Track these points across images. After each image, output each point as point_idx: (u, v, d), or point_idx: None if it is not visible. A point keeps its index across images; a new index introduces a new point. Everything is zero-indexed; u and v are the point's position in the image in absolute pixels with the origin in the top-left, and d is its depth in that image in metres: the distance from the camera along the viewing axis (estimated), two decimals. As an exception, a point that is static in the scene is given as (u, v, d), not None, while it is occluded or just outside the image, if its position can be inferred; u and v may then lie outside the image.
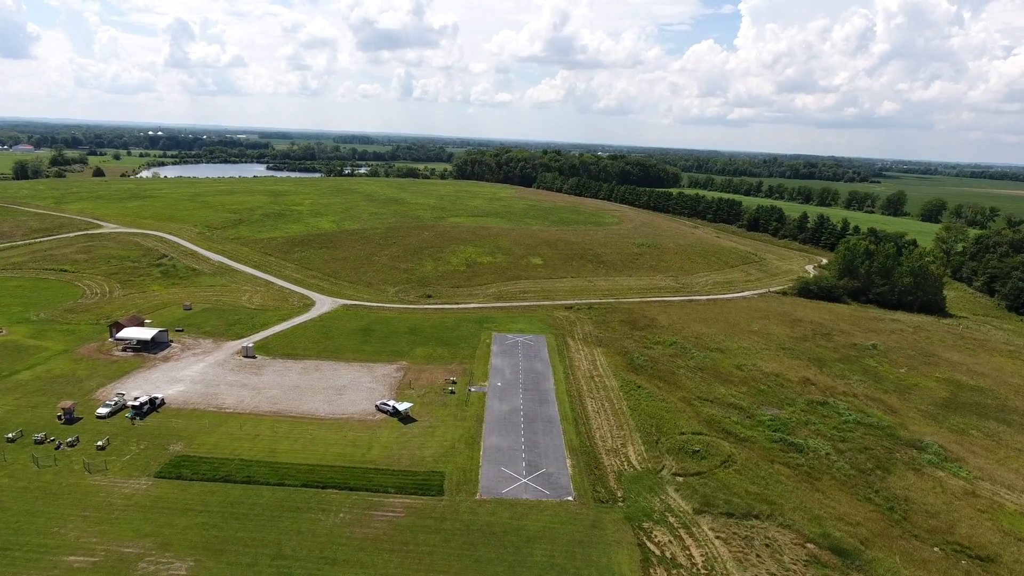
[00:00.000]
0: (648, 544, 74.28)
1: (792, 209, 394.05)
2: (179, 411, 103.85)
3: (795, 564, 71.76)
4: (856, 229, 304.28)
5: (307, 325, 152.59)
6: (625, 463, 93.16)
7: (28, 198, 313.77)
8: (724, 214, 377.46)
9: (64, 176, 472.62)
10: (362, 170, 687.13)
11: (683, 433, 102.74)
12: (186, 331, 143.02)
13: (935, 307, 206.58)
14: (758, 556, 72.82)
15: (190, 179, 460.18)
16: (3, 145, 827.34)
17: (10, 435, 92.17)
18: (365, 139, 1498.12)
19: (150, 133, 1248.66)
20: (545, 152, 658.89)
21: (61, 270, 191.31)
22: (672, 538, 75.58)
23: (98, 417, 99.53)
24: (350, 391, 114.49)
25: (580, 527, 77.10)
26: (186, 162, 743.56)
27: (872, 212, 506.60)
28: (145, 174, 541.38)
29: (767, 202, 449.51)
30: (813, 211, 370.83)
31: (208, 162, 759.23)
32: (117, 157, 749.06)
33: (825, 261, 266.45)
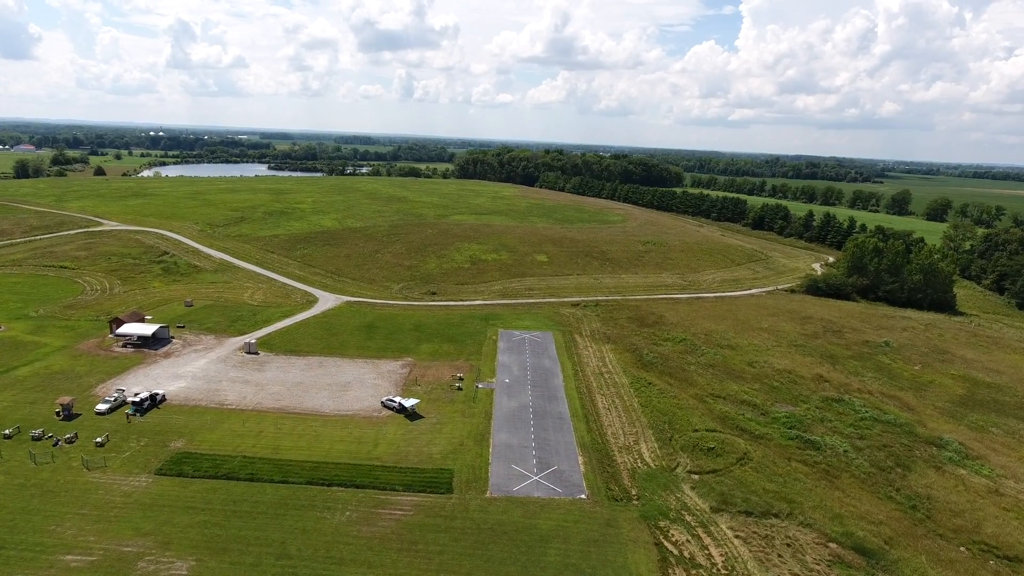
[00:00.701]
0: (665, 543, 71.74)
1: (796, 208, 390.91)
2: (180, 407, 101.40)
3: (818, 564, 69.19)
4: (863, 227, 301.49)
5: (310, 322, 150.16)
6: (638, 460, 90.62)
7: (28, 196, 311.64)
8: (729, 213, 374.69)
9: (65, 175, 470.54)
10: (364, 170, 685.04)
11: (696, 430, 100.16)
12: (187, 327, 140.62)
13: (945, 305, 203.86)
14: (779, 556, 70.25)
15: (191, 178, 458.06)
16: (4, 145, 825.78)
17: (7, 431, 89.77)
18: (366, 140, 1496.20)
19: (151, 134, 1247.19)
20: (547, 152, 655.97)
21: (61, 267, 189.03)
22: (690, 537, 73.03)
23: (97, 413, 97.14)
24: (355, 387, 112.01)
25: (594, 526, 74.58)
26: (187, 162, 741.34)
27: (877, 211, 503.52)
28: (146, 173, 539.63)
29: (771, 201, 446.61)
30: (818, 210, 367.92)
31: (209, 162, 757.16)
32: (118, 157, 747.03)
33: (832, 259, 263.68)
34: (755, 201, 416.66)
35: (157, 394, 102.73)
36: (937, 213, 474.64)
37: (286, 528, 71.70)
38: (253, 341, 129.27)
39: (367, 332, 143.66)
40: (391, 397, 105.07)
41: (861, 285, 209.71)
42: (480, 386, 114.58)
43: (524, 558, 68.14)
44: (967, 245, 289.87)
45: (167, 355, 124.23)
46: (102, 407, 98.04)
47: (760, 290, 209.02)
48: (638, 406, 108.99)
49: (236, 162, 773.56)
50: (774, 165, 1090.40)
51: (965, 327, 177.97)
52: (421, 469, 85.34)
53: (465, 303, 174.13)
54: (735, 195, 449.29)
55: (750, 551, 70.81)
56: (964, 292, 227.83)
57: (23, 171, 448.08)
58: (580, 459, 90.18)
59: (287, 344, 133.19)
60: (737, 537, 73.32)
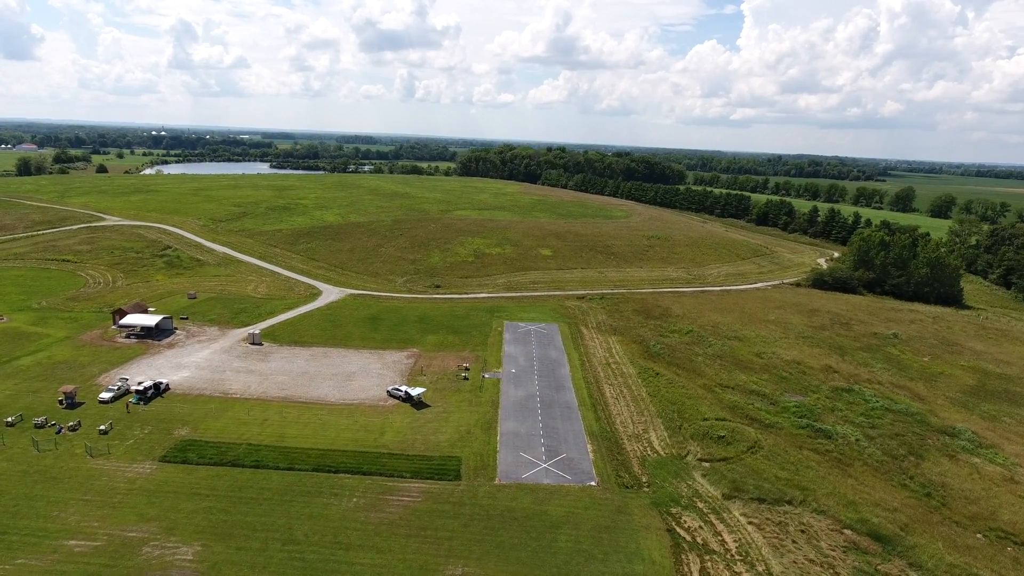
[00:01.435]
0: (678, 529, 70.60)
1: (800, 205, 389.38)
2: (184, 396, 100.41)
3: (833, 550, 68.01)
4: (868, 222, 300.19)
5: (314, 313, 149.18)
6: (648, 448, 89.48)
7: (31, 192, 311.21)
8: (732, 209, 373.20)
9: (67, 173, 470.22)
10: (366, 168, 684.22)
11: (706, 419, 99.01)
12: (191, 319, 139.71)
13: (952, 299, 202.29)
14: (794, 542, 69.08)
15: (194, 175, 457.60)
16: (7, 145, 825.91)
17: (9, 419, 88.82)
18: (368, 139, 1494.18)
19: (153, 133, 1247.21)
20: (549, 150, 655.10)
21: (63, 260, 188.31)
22: (702, 524, 71.88)
23: (101, 402, 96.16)
24: (360, 377, 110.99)
25: (605, 512, 73.47)
26: (189, 161, 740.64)
27: (881, 208, 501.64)
28: (148, 171, 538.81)
29: (775, 198, 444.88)
30: (822, 207, 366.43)
31: (212, 161, 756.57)
32: (120, 156, 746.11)
33: (837, 255, 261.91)
34: (758, 198, 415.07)
35: (161, 383, 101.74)
36: (941, 210, 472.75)
37: (293, 514, 70.66)
38: (257, 332, 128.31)
39: (371, 324, 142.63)
40: (397, 386, 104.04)
41: (867, 279, 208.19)
42: (486, 376, 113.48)
43: (535, 544, 67.05)
44: (973, 240, 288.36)
45: (170, 346, 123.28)
46: (105, 395, 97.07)
47: (765, 284, 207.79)
48: (646, 395, 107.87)
49: (238, 161, 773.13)
50: (776, 164, 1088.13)
51: (973, 320, 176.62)
52: (428, 457, 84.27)
53: (469, 296, 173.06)
54: (738, 192, 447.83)
55: (764, 537, 69.67)
56: (970, 287, 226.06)
57: (25, 168, 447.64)
58: (589, 447, 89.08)
59: (291, 335, 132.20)
60: (750, 523, 72.17)
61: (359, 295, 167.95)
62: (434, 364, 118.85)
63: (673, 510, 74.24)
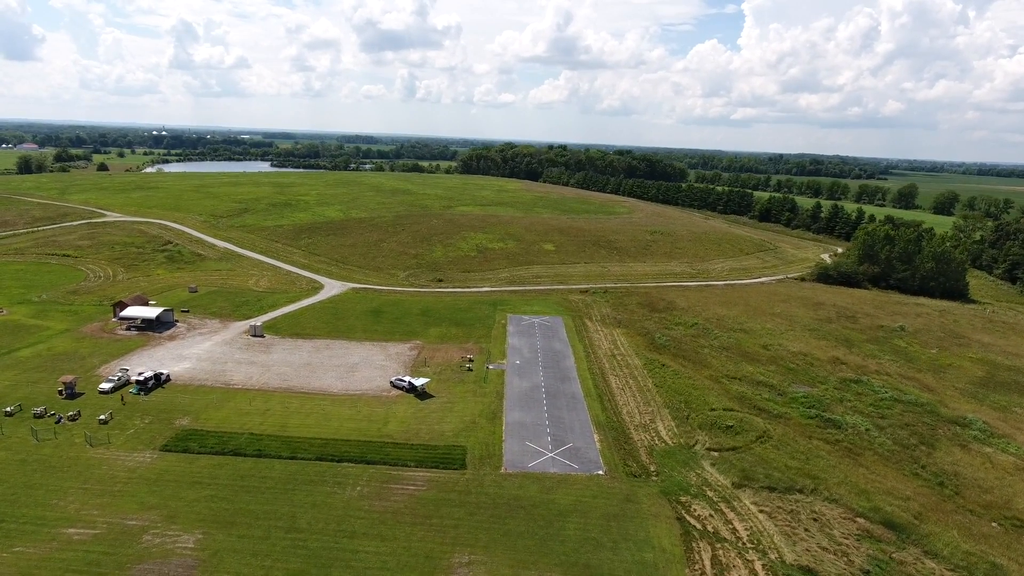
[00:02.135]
0: (688, 518, 69.31)
1: (802, 203, 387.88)
2: (185, 387, 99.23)
3: (847, 539, 66.70)
4: (872, 218, 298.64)
5: (316, 307, 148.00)
6: (656, 438, 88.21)
7: (31, 190, 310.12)
8: (735, 205, 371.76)
9: (68, 171, 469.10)
10: (367, 167, 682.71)
11: (713, 409, 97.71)
12: (192, 312, 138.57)
13: (957, 293, 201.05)
14: (806, 530, 67.77)
15: (195, 173, 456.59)
16: (8, 144, 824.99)
17: (8, 409, 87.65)
18: (369, 139, 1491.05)
19: (154, 133, 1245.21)
20: (551, 148, 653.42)
21: (64, 255, 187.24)
22: (712, 512, 70.59)
23: (101, 392, 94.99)
24: (363, 368, 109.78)
25: (614, 501, 72.20)
26: (190, 160, 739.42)
27: (883, 205, 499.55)
28: (149, 170, 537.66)
29: (778, 195, 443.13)
30: (825, 204, 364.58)
31: (212, 160, 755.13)
32: (121, 155, 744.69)
33: (840, 250, 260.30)
34: (760, 195, 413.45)
35: (162, 374, 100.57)
36: (944, 207, 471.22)
37: (296, 502, 69.45)
38: (259, 324, 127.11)
39: (374, 316, 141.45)
40: (400, 377, 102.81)
41: (872, 273, 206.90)
42: (491, 367, 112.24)
43: (542, 532, 65.80)
44: (977, 235, 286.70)
45: (171, 338, 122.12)
46: (106, 386, 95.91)
47: (770, 278, 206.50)
48: (652, 386, 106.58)
49: (239, 160, 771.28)
50: (778, 163, 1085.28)
51: (979, 314, 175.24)
52: (433, 446, 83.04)
53: (472, 290, 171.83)
54: (740, 189, 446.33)
55: (775, 525, 68.37)
56: (975, 282, 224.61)
57: (26, 167, 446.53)
58: (596, 436, 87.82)
59: (293, 328, 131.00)
60: (761, 512, 70.88)
61: (361, 289, 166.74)
62: (437, 356, 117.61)
63: (683, 499, 72.97)
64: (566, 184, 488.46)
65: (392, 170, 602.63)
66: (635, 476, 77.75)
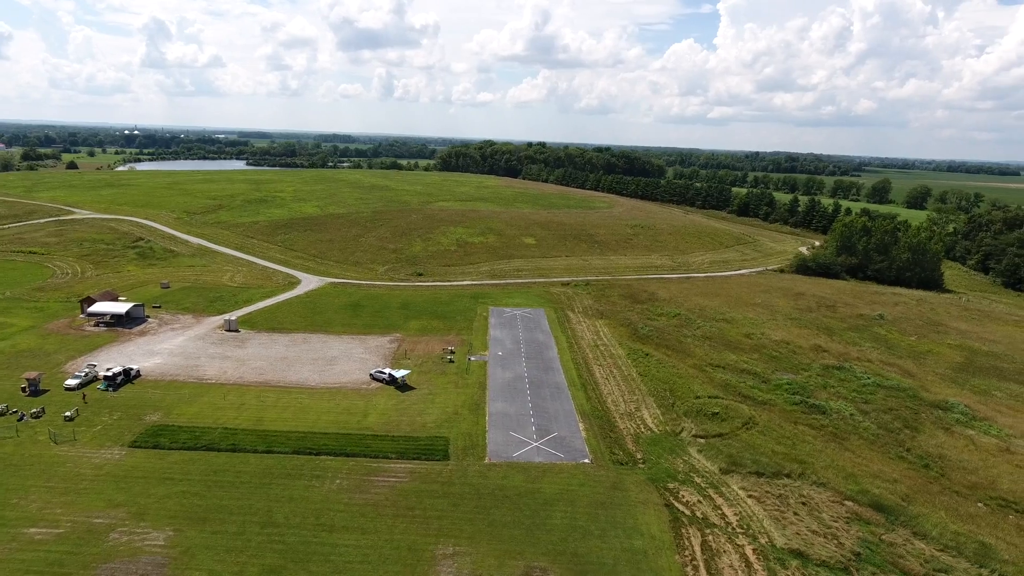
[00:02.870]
0: (676, 504, 68.04)
1: (779, 198, 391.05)
2: (156, 382, 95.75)
3: (836, 521, 65.91)
4: (848, 211, 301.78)
5: (293, 301, 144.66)
6: (641, 426, 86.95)
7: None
8: (714, 200, 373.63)
9: (35, 170, 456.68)
10: (345, 165, 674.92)
11: (699, 397, 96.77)
12: (164, 307, 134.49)
13: (933, 283, 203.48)
14: (795, 514, 66.88)
15: (167, 171, 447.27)
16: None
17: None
18: (347, 139, 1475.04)
19: (126, 132, 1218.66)
20: (530, 145, 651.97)
21: (30, 252, 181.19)
22: (701, 498, 69.41)
23: (67, 389, 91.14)
24: (342, 361, 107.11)
25: (600, 489, 70.68)
26: (163, 159, 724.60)
27: (858, 200, 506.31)
28: (121, 168, 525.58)
29: (755, 190, 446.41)
30: (802, 198, 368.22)
31: (186, 159, 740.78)
32: (92, 154, 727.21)
33: (818, 243, 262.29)
34: (738, 191, 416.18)
35: (131, 369, 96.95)
36: (917, 201, 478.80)
37: (272, 497, 66.85)
38: (233, 318, 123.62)
39: (352, 310, 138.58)
40: (380, 369, 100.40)
41: (850, 264, 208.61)
42: (472, 359, 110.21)
43: (529, 521, 64.03)
44: (950, 228, 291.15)
45: (142, 333, 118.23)
46: (72, 382, 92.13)
47: (750, 271, 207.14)
48: (636, 375, 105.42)
49: (214, 158, 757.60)
50: (754, 160, 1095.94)
51: (956, 302, 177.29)
52: (415, 437, 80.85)
53: (453, 283, 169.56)
54: (719, 184, 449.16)
55: (765, 510, 67.37)
56: (949, 272, 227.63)
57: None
58: (581, 425, 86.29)
59: (269, 322, 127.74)
60: (750, 497, 69.87)
61: (339, 283, 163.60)
62: (418, 348, 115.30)
63: (670, 485, 71.72)
64: (545, 181, 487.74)
65: (370, 168, 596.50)
66: (621, 464, 76.36)
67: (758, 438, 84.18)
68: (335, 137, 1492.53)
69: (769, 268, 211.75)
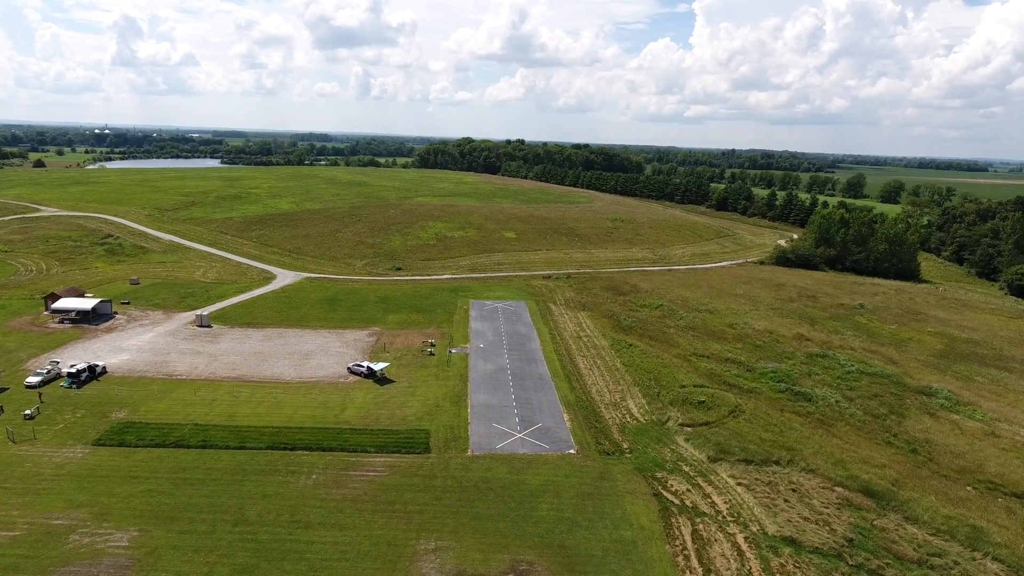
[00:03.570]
0: (665, 493, 66.27)
1: (757, 192, 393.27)
2: (123, 379, 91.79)
3: (827, 508, 64.62)
4: (825, 204, 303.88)
5: (268, 296, 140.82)
6: (627, 416, 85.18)
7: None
8: (692, 195, 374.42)
9: (0, 168, 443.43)
10: (322, 163, 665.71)
11: (684, 386, 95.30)
12: (133, 304, 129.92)
13: (910, 274, 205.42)
14: (786, 501, 65.48)
15: (139, 168, 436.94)
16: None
17: (-81, 407, 79.11)
18: (324, 138, 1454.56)
19: (97, 131, 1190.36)
20: (509, 142, 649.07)
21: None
22: (690, 487, 67.72)
23: (27, 387, 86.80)
24: (318, 355, 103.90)
25: (587, 479, 68.68)
26: (135, 157, 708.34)
27: (833, 195, 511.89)
28: (91, 167, 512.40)
29: (734, 185, 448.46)
30: (780, 193, 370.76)
31: (159, 157, 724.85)
32: (60, 153, 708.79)
33: (796, 236, 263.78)
34: (716, 186, 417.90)
35: (97, 366, 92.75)
36: (891, 195, 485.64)
37: (244, 494, 63.75)
38: (206, 313, 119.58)
39: (329, 305, 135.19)
40: (358, 362, 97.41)
41: (829, 256, 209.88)
42: (453, 351, 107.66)
43: (514, 514, 61.76)
44: (925, 220, 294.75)
45: (109, 330, 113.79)
46: (33, 380, 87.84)
47: (730, 263, 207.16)
48: (621, 366, 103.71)
49: (187, 157, 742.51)
50: (731, 157, 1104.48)
51: (933, 292, 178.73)
52: (394, 430, 78.16)
53: (432, 277, 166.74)
54: (697, 179, 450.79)
55: (755, 497, 65.87)
56: (925, 264, 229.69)
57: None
58: (565, 416, 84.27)
59: (243, 317, 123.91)
60: (740, 485, 68.34)
61: (316, 278, 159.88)
62: (397, 341, 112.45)
63: (658, 474, 69.95)
64: (525, 177, 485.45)
65: (348, 166, 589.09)
66: (608, 454, 74.45)
67: (745, 426, 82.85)
68: (312, 136, 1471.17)
69: (749, 260, 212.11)
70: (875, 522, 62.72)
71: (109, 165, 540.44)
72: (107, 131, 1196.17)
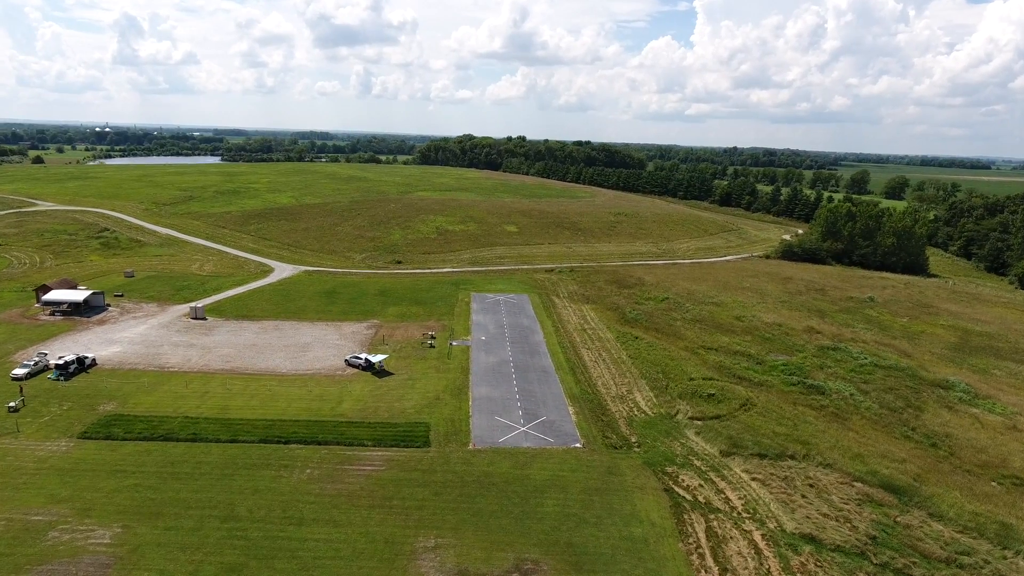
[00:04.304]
0: (676, 489, 63.14)
1: (761, 188, 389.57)
2: (113, 371, 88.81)
3: (847, 504, 61.46)
4: (830, 199, 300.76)
5: (265, 289, 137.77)
6: (634, 409, 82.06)
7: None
8: (695, 191, 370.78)
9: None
10: (322, 160, 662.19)
11: (692, 379, 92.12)
12: (126, 296, 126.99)
13: (918, 268, 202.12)
14: (804, 496, 62.33)
15: (138, 164, 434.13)
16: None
17: (-101, 399, 76.15)
18: (325, 136, 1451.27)
19: (97, 129, 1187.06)
20: (510, 139, 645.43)
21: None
22: (702, 482, 64.59)
23: (13, 379, 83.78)
24: (315, 348, 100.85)
25: (594, 474, 65.57)
26: (135, 155, 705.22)
27: (837, 191, 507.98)
28: (91, 164, 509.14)
29: (737, 181, 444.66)
30: (784, 189, 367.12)
31: (159, 155, 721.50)
32: (60, 151, 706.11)
33: (801, 231, 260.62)
34: (719, 183, 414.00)
35: (86, 358, 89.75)
36: (895, 191, 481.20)
37: (234, 489, 60.72)
38: (200, 306, 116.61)
39: (328, 297, 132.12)
40: (356, 354, 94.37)
41: (836, 249, 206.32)
42: (454, 344, 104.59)
43: (518, 510, 58.67)
44: (931, 215, 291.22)
45: (101, 322, 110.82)
46: (19, 372, 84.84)
47: (735, 257, 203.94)
48: (627, 358, 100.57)
49: (188, 155, 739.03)
50: (733, 155, 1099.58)
51: (943, 286, 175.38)
52: (393, 423, 75.10)
53: (433, 271, 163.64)
54: (701, 174, 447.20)
55: (771, 493, 62.73)
56: (932, 259, 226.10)
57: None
58: (570, 409, 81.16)
59: (239, 310, 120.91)
60: (754, 480, 65.20)
61: (314, 271, 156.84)
62: (397, 334, 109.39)
63: (669, 469, 66.82)
64: (526, 174, 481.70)
65: (348, 162, 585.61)
66: (615, 448, 71.35)
67: (757, 419, 79.67)
68: (313, 134, 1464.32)
69: (755, 254, 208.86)
70: (898, 519, 59.56)
71: (108, 162, 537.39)
72: (107, 129, 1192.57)
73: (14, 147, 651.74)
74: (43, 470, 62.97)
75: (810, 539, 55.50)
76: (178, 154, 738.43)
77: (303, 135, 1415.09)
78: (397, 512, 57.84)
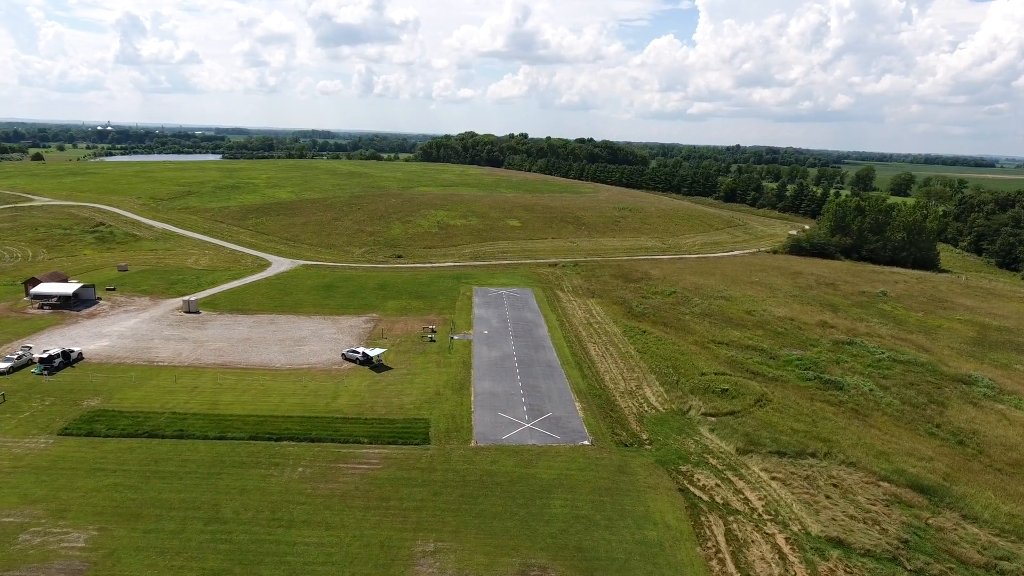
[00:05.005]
0: (692, 489, 59.31)
1: (766, 184, 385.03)
2: (100, 365, 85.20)
3: (874, 505, 57.61)
4: (837, 194, 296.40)
5: (261, 283, 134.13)
6: (645, 405, 78.24)
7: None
8: (700, 187, 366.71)
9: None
10: (324, 158, 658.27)
11: (704, 374, 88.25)
12: (118, 290, 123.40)
13: (929, 263, 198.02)
14: (828, 497, 58.47)
15: (137, 161, 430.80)
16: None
17: None
18: (326, 135, 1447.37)
19: (99, 128, 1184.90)
20: (512, 136, 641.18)
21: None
22: (719, 481, 60.76)
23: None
24: (312, 342, 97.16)
25: (604, 473, 61.76)
26: (136, 153, 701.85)
27: (842, 188, 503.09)
28: (90, 161, 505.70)
29: (742, 177, 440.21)
30: (789, 185, 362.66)
31: (160, 153, 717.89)
32: (61, 148, 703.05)
33: (808, 227, 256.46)
34: (723, 179, 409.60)
35: (72, 352, 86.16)
36: (901, 188, 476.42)
37: (221, 488, 57.03)
38: (194, 299, 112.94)
39: (325, 291, 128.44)
40: (354, 348, 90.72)
41: (845, 244, 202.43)
42: (455, 338, 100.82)
43: (523, 511, 54.89)
44: (940, 210, 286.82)
45: (91, 316, 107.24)
46: (2, 365, 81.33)
47: (742, 252, 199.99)
48: (635, 353, 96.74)
49: (189, 153, 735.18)
50: (736, 153, 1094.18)
51: (956, 281, 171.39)
52: (391, 420, 71.36)
53: (434, 265, 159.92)
54: (705, 170, 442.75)
55: (792, 493, 58.88)
56: (943, 254, 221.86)
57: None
58: (577, 405, 77.37)
59: (234, 303, 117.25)
60: (774, 479, 61.35)
61: (313, 265, 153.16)
62: (396, 328, 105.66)
63: (683, 468, 63.00)
64: (528, 171, 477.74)
65: (349, 159, 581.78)
66: (626, 445, 67.54)
67: (774, 416, 75.81)
68: (315, 133, 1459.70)
69: (762, 249, 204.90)
70: (930, 521, 55.73)
71: (108, 159, 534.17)
72: (109, 128, 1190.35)
73: (15, 145, 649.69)
74: (19, 468, 59.32)
75: (837, 543, 51.67)
76: (179, 152, 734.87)
77: (305, 134, 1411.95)
78: (394, 514, 54.09)
